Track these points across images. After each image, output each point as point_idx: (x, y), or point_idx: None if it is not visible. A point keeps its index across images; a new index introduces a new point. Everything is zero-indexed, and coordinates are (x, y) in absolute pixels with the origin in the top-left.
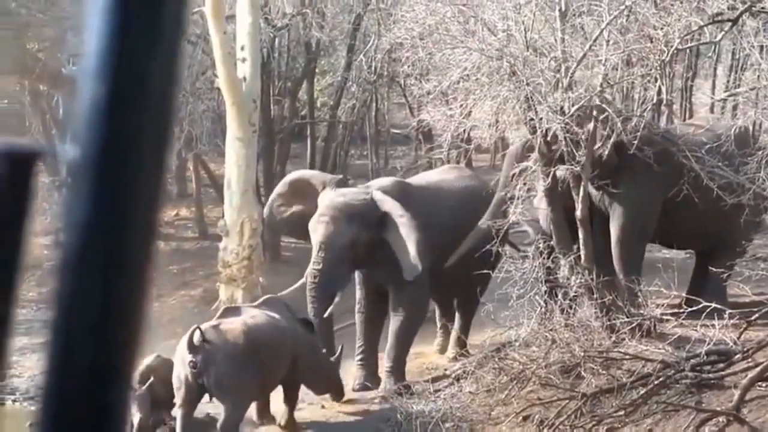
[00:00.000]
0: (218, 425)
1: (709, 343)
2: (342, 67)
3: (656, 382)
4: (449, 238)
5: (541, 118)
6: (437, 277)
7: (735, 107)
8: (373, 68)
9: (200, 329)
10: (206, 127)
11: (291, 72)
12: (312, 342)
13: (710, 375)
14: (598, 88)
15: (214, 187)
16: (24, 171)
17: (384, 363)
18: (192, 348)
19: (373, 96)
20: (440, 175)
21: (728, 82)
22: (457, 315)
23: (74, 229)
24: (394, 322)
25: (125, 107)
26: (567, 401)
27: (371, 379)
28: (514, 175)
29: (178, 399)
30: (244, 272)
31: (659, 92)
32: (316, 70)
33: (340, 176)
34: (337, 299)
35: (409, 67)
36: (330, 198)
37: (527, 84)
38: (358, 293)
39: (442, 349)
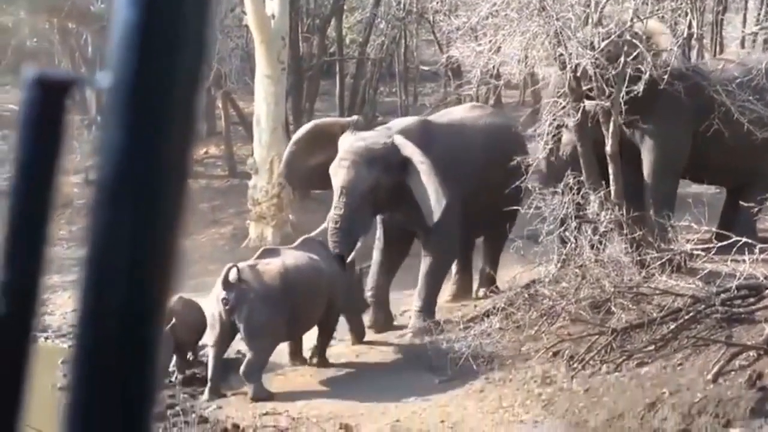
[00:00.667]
0: (241, 368)
1: (739, 278)
2: (371, 4)
3: (686, 317)
4: (476, 176)
5: (570, 54)
6: (464, 217)
7: (766, 41)
8: (401, 4)
9: (237, 267)
10: (235, 64)
11: (319, 9)
12: (348, 280)
13: (740, 309)
14: (629, 23)
15: (243, 124)
16: (57, 98)
17: (414, 303)
18: (226, 285)
19: (402, 33)
20: (464, 113)
21: (759, 15)
22: (484, 252)
23: (107, 163)
24: (424, 264)
25: (158, 37)
26: (597, 336)
27: (382, 319)
28: (540, 109)
29: (210, 337)
30: (273, 210)
31: (689, 26)
32: (345, 7)
33: (358, 118)
34: (359, 244)
35: (437, 3)
36: (350, 142)
37: (557, 19)
38: (378, 234)
39: (459, 291)
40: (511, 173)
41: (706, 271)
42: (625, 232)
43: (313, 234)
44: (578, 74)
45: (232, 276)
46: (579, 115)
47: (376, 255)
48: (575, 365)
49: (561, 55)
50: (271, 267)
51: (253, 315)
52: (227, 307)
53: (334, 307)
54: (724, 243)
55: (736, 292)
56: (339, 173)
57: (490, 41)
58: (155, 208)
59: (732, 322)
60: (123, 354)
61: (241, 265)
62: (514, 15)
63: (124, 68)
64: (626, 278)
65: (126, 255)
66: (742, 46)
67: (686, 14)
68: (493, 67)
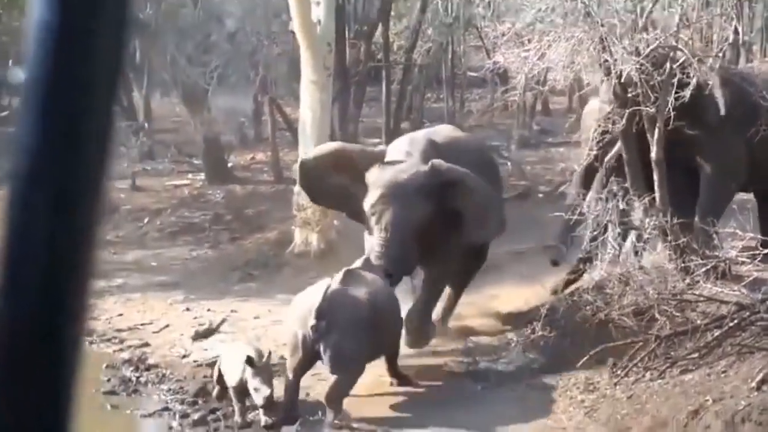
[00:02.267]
0: (325, 394)
1: None
2: (418, 10)
3: (731, 324)
4: None
5: (615, 60)
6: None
7: None
8: (449, 11)
9: (325, 297)
10: (281, 70)
11: (366, 15)
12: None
13: None
14: (674, 29)
15: (289, 130)
16: None
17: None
18: (319, 313)
19: (449, 38)
20: (444, 134)
21: None
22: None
23: (21, 163)
24: (431, 273)
25: (73, 38)
26: (641, 343)
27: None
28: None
29: (290, 364)
30: (318, 215)
31: (736, 31)
32: (392, 13)
33: (384, 149)
34: (414, 284)
35: (483, 8)
36: (388, 176)
37: (602, 25)
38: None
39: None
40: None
41: (751, 278)
42: (669, 238)
43: (355, 265)
44: (623, 80)
45: (323, 303)
46: (624, 121)
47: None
48: (618, 372)
49: (606, 61)
50: (359, 294)
51: (344, 343)
52: (316, 335)
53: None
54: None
55: None
56: (385, 210)
57: (536, 47)
58: (70, 210)
59: None
60: (37, 355)
61: (331, 288)
62: (559, 21)
63: (39, 67)
64: (670, 285)
65: (40, 257)
66: None
67: (732, 19)
68: (539, 73)
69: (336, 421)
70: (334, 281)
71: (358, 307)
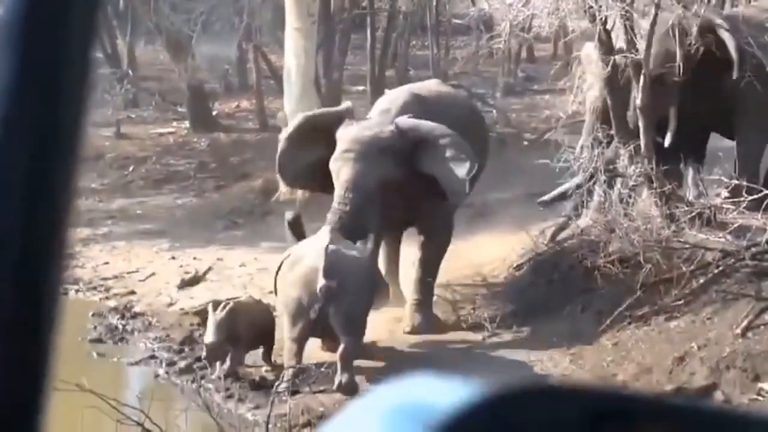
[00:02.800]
0: (338, 353)
1: None
2: None
3: (715, 272)
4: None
5: (600, 6)
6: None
7: None
8: None
9: (332, 252)
10: (266, 17)
11: None
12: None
13: None
14: None
15: (274, 78)
16: None
17: (412, 294)
18: (328, 273)
19: None
20: (430, 89)
21: None
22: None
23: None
24: (424, 251)
25: (42, 29)
26: (625, 291)
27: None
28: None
29: (293, 332)
30: None
31: None
32: None
33: (349, 106)
34: (370, 243)
35: None
36: (354, 132)
37: None
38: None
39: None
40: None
41: (736, 225)
42: (654, 186)
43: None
44: (608, 26)
45: (332, 261)
46: (609, 68)
47: (384, 254)
48: (603, 319)
49: (590, 7)
50: (353, 253)
51: (354, 304)
52: (328, 298)
53: None
54: (755, 197)
55: (766, 246)
56: (344, 167)
57: None
58: (47, 159)
59: (762, 276)
60: (13, 311)
61: (330, 249)
62: None
63: (7, 59)
64: (655, 233)
65: (16, 210)
66: None
67: None
68: (523, 20)
69: (347, 387)
70: (327, 241)
71: (359, 267)
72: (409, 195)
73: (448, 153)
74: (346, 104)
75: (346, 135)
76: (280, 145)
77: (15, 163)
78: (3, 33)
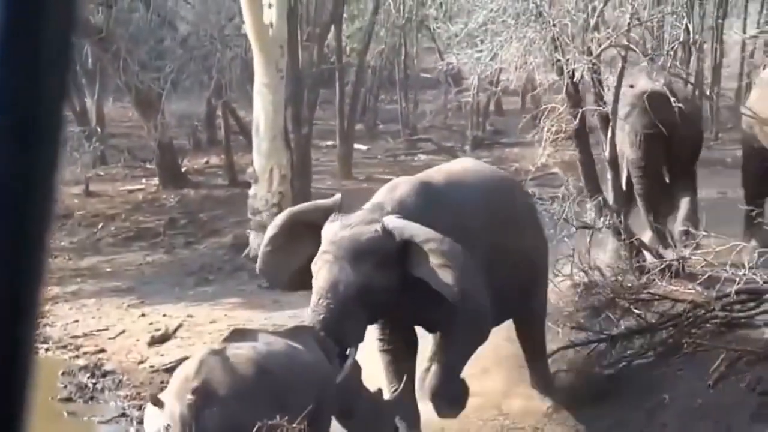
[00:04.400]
0: None
1: (738, 283)
2: (370, 12)
3: (686, 323)
4: (494, 243)
5: (568, 59)
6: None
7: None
8: (401, 12)
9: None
10: (235, 74)
11: (318, 17)
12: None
13: (740, 314)
14: (625, 28)
15: (243, 134)
16: None
17: (429, 383)
18: (195, 386)
19: (401, 40)
20: (458, 169)
21: (759, 20)
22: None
23: None
24: (447, 341)
25: (23, 32)
26: (596, 343)
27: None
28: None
29: None
30: (273, 219)
31: (687, 30)
32: (344, 15)
33: (337, 199)
34: (353, 356)
35: (436, 9)
36: (333, 231)
37: (554, 25)
38: (379, 328)
39: None
40: (525, 237)
41: (705, 276)
42: (623, 237)
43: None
44: (575, 80)
45: (200, 366)
46: (577, 121)
47: (382, 357)
48: (574, 372)
49: (558, 60)
50: (245, 356)
51: (226, 416)
52: (192, 409)
53: (322, 419)
54: (722, 247)
55: (735, 297)
56: (321, 270)
57: (488, 48)
58: (20, 216)
59: (732, 327)
60: None
61: (204, 354)
62: (511, 21)
63: None
64: (625, 284)
65: None
66: (743, 50)
67: (683, 18)
68: (491, 73)
69: None
70: (216, 345)
71: (240, 373)
72: (417, 297)
73: (433, 260)
74: (335, 197)
75: (326, 233)
76: (263, 247)
77: None
78: None
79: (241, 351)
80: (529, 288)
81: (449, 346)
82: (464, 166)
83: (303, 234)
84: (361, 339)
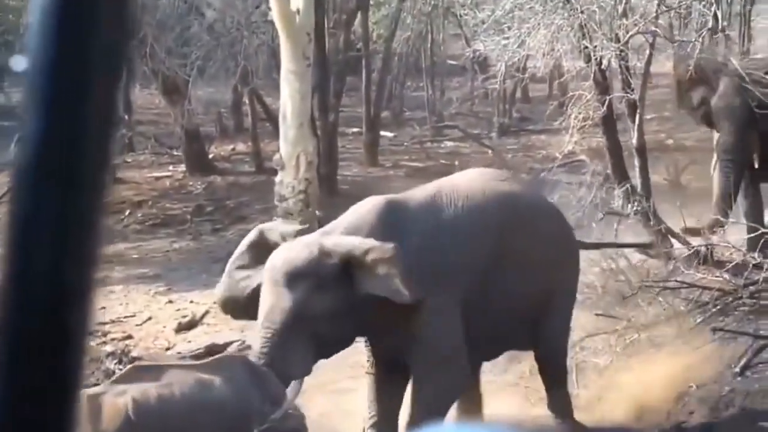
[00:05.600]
0: None
1: (766, 270)
2: None
3: (713, 310)
4: (481, 271)
5: (595, 46)
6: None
7: None
8: None
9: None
10: (262, 61)
11: (345, 4)
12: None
13: None
14: (653, 14)
15: (270, 121)
16: None
17: None
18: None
19: (428, 27)
20: (467, 181)
21: None
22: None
23: (27, 149)
24: (414, 387)
25: (74, 21)
26: (624, 330)
27: None
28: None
29: None
30: (300, 206)
31: (715, 17)
32: (371, 2)
33: (299, 227)
34: (296, 390)
35: None
36: (275, 254)
37: (581, 12)
38: (367, 350)
39: None
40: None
41: (733, 264)
42: (651, 223)
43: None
44: (603, 67)
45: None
46: (605, 108)
47: (368, 381)
48: (603, 358)
49: (586, 47)
50: (120, 399)
51: None
52: None
53: None
54: (753, 235)
55: (763, 284)
56: (262, 296)
57: (515, 34)
58: (77, 195)
59: (760, 315)
60: (47, 344)
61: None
62: (539, 8)
63: (41, 52)
64: (652, 272)
65: (48, 243)
66: None
67: (711, 5)
68: (518, 60)
69: None
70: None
71: (111, 419)
72: (372, 323)
73: (378, 270)
74: (294, 226)
75: (270, 257)
76: (228, 268)
77: (45, 202)
78: (31, 79)
79: (120, 397)
80: (542, 318)
81: (416, 396)
82: (472, 178)
83: (264, 256)
84: (306, 371)
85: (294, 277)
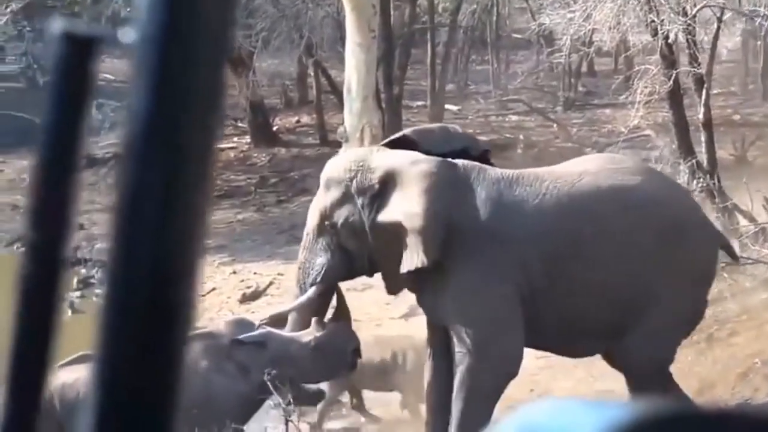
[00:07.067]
0: None
1: None
2: None
3: None
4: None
5: (662, 20)
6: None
7: None
8: None
9: None
10: (326, 33)
11: None
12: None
13: None
14: None
15: (334, 93)
16: (85, 54)
17: None
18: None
19: (494, 0)
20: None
21: None
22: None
23: (135, 121)
24: (457, 385)
25: None
26: None
27: None
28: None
29: None
30: None
31: None
32: None
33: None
34: (308, 294)
35: None
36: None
37: None
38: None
39: None
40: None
41: None
42: (716, 200)
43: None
44: (670, 41)
45: None
46: (671, 82)
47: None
48: None
49: (653, 21)
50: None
51: None
52: None
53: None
54: None
55: None
56: None
57: (581, 8)
58: (183, 167)
59: None
60: (152, 315)
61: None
62: None
63: (150, 24)
64: None
65: (154, 215)
66: None
67: None
68: (584, 34)
69: None
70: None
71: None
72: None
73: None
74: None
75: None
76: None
77: (152, 175)
78: (139, 51)
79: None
80: (630, 324)
81: (456, 386)
82: (589, 163)
83: None
84: (329, 279)
85: (331, 181)
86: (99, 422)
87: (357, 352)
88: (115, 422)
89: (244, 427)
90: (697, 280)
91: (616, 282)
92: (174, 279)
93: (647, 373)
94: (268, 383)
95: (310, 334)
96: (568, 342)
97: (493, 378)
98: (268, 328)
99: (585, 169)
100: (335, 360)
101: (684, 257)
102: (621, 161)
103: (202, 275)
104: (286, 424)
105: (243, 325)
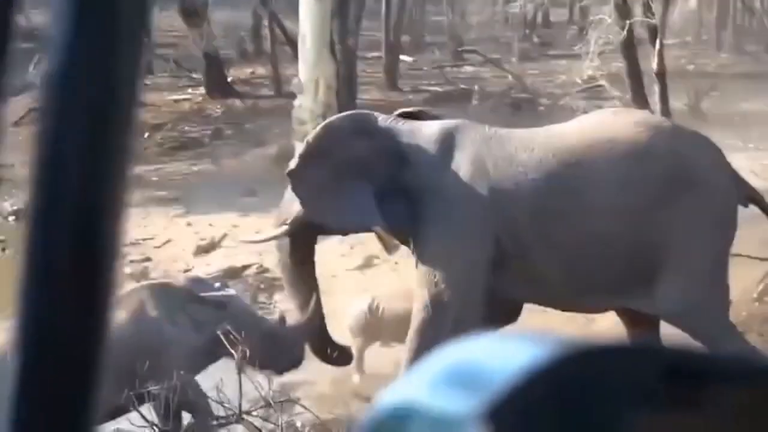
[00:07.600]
0: None
1: None
2: None
3: None
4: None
5: None
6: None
7: None
8: None
9: None
10: None
11: None
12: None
13: None
14: None
15: (289, 44)
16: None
17: None
18: None
19: None
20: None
21: None
22: None
23: (55, 83)
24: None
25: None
26: None
27: None
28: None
29: None
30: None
31: None
32: None
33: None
34: (274, 232)
35: None
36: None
37: None
38: None
39: None
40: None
41: None
42: None
43: None
44: None
45: None
46: (625, 33)
47: None
48: None
49: None
50: None
51: None
52: None
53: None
54: None
55: None
56: None
57: None
58: (104, 128)
59: None
60: (75, 275)
61: None
62: None
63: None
64: None
65: (74, 177)
66: None
67: None
68: None
69: None
70: None
71: None
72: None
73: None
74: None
75: None
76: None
77: (72, 125)
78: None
79: None
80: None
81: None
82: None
83: None
84: (294, 225)
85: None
86: (25, 362)
87: (301, 351)
88: (42, 361)
89: (195, 378)
90: (717, 223)
91: (619, 232)
92: (98, 227)
93: (689, 316)
94: (222, 338)
95: (272, 320)
96: (575, 296)
97: (437, 337)
98: (233, 291)
99: (581, 125)
100: (278, 352)
101: (697, 202)
102: (628, 114)
103: (127, 215)
104: (239, 374)
105: (202, 283)
